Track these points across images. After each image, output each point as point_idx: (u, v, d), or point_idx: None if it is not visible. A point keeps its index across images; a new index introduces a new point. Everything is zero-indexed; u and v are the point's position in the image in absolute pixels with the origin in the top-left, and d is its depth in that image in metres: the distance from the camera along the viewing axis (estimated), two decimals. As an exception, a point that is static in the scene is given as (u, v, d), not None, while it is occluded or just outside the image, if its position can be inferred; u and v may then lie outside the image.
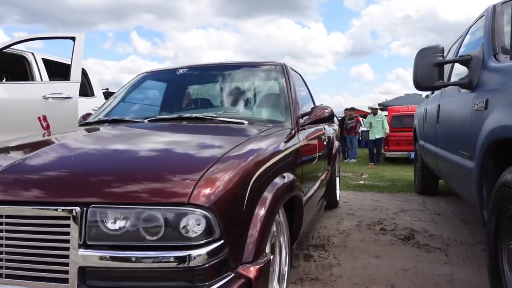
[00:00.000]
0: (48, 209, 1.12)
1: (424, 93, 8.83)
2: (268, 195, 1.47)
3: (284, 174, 1.75)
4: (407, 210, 4.08)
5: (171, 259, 1.09)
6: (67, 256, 1.10)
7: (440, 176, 3.81)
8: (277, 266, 1.92)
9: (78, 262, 1.09)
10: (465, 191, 2.45)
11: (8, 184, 1.21)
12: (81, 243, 1.10)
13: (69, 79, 3.60)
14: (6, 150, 1.59)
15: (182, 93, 2.75)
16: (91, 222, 1.10)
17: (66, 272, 1.10)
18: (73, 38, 3.68)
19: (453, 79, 2.82)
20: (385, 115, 10.53)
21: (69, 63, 3.67)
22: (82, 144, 1.66)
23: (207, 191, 1.16)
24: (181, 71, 2.66)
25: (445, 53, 2.55)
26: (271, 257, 1.41)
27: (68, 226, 1.10)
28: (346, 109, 10.99)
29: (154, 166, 1.31)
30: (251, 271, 1.25)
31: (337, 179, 4.51)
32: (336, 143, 4.24)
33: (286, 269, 1.96)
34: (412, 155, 6.66)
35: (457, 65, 2.67)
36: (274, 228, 1.87)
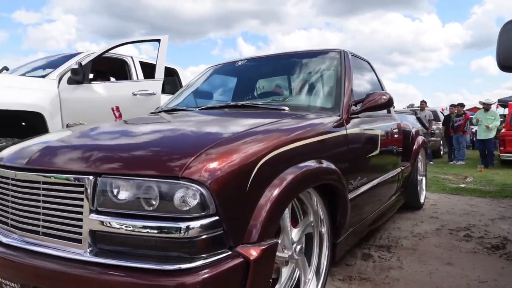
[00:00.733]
0: (68, 177, 1.27)
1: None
2: (287, 176, 1.42)
3: (316, 160, 1.66)
4: (508, 217, 3.48)
5: (165, 230, 1.13)
6: (81, 220, 1.22)
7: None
8: (315, 258, 1.84)
9: (90, 226, 1.21)
10: None
11: (45, 156, 1.40)
12: (93, 209, 1.21)
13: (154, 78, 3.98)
14: (64, 132, 1.85)
15: (240, 83, 2.81)
16: (101, 190, 1.21)
17: (80, 233, 1.22)
18: (158, 40, 4.06)
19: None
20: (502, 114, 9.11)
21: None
22: (119, 127, 1.82)
23: (202, 167, 1.17)
24: (239, 63, 2.72)
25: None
26: (278, 241, 1.34)
27: (82, 193, 1.23)
28: (453, 105, 9.80)
29: (163, 145, 1.38)
30: (251, 252, 1.21)
31: (423, 179, 4.08)
32: (420, 139, 3.84)
33: (325, 262, 1.87)
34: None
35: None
36: (311, 218, 1.80)
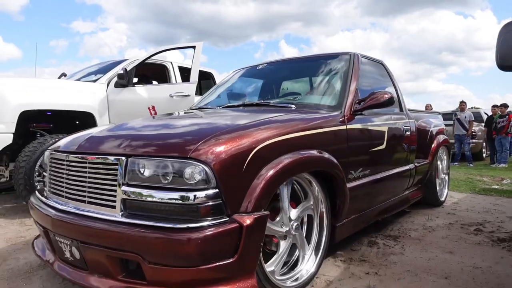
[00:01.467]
0: (107, 158, 1.64)
1: None
2: (281, 161, 1.70)
3: (312, 150, 1.92)
4: (529, 216, 3.49)
5: (177, 198, 1.47)
6: (115, 191, 1.59)
7: None
8: (315, 235, 2.10)
9: (121, 195, 1.57)
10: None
11: (90, 143, 1.80)
12: (124, 182, 1.57)
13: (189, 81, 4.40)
14: (104, 126, 2.26)
15: (260, 83, 3.12)
16: (130, 169, 1.57)
17: (114, 201, 1.59)
18: (193, 47, 4.48)
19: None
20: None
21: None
22: (146, 122, 2.20)
23: (207, 150, 1.49)
24: (260, 67, 3.03)
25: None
26: (267, 213, 1.62)
27: (117, 170, 1.60)
28: (495, 106, 9.44)
29: (178, 133, 1.74)
30: (245, 219, 1.51)
31: (445, 177, 4.15)
32: (441, 138, 3.94)
33: (324, 241, 2.12)
34: None
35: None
36: (311, 202, 2.07)
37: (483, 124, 10.19)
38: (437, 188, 3.85)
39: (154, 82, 5.82)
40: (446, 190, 4.14)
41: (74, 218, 1.67)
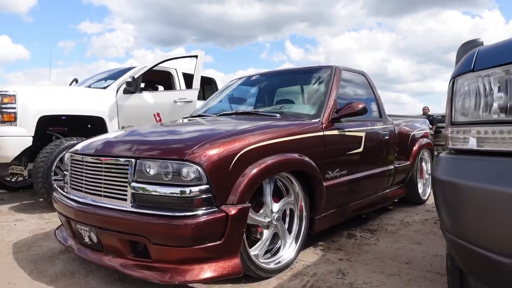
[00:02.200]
0: (119, 159, 2.01)
1: None
2: (262, 162, 2.06)
3: (291, 153, 2.28)
4: None
5: (176, 192, 1.83)
6: (126, 186, 1.96)
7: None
8: (296, 226, 2.45)
9: (131, 190, 1.93)
10: None
11: (106, 147, 2.18)
12: (133, 179, 1.94)
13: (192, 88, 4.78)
14: (117, 132, 2.63)
15: (254, 93, 3.49)
16: (138, 168, 1.93)
17: (126, 195, 1.96)
18: (196, 56, 4.86)
19: None
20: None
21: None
22: (153, 128, 2.58)
23: (200, 154, 1.85)
24: (253, 77, 3.40)
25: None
26: (249, 205, 1.97)
27: (128, 169, 1.96)
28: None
29: (177, 139, 2.10)
30: (229, 210, 1.87)
31: (429, 177, 4.47)
32: (424, 141, 4.26)
33: (303, 231, 2.47)
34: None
35: None
36: (292, 198, 2.43)
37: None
38: (420, 187, 4.18)
39: (160, 87, 6.21)
40: (429, 190, 4.46)
41: (93, 208, 2.04)
